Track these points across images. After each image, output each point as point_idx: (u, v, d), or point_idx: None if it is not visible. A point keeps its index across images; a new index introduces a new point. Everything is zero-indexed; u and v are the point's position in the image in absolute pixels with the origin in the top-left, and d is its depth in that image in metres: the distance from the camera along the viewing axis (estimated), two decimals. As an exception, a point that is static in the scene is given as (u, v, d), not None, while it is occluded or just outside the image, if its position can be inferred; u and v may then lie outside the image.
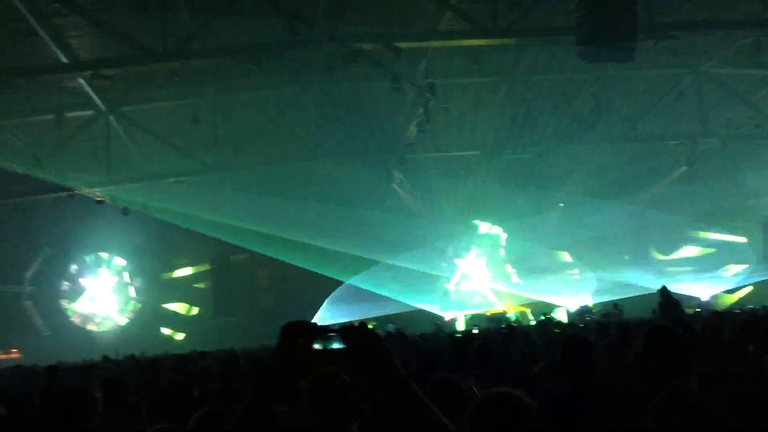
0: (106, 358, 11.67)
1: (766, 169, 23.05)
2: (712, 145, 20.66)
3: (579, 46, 9.81)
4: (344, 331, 1.55)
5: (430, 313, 23.49)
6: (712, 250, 27.94)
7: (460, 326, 22.80)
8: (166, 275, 26.99)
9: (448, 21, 14.73)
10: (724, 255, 27.33)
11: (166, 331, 26.36)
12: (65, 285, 26.84)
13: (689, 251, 28.81)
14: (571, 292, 25.75)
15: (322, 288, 27.22)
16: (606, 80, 19.00)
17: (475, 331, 15.68)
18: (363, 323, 1.57)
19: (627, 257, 27.13)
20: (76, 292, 26.96)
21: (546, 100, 18.76)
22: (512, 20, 13.85)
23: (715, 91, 19.71)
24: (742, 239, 27.53)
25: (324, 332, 1.51)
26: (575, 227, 27.00)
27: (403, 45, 14.08)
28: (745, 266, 26.76)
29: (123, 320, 26.77)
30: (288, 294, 27.05)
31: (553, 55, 16.35)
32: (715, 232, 28.13)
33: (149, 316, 26.48)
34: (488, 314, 24.02)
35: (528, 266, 27.64)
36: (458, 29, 14.62)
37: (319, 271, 27.18)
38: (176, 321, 26.93)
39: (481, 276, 27.14)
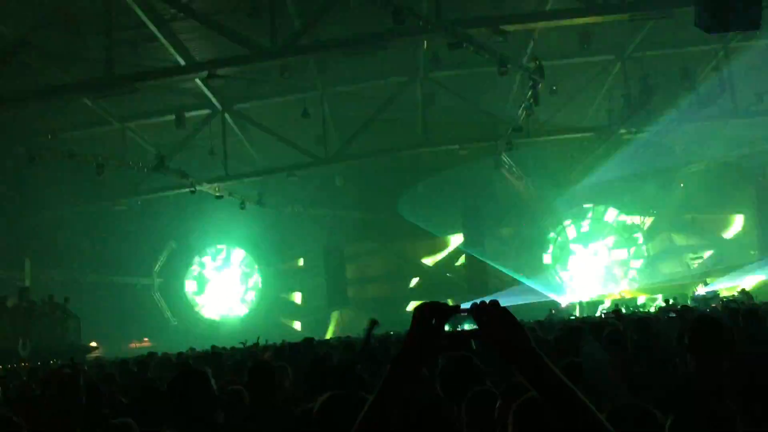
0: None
1: None
2: None
3: (698, 16, 9.21)
4: (476, 309, 1.52)
5: (544, 301, 22.98)
6: None
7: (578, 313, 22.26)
8: (283, 266, 27.87)
9: (555, 0, 14.32)
10: None
11: (284, 320, 27.24)
12: (190, 277, 28.26)
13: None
14: (699, 278, 24.47)
15: (433, 278, 27.35)
16: (728, 52, 17.89)
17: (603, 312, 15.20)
18: (495, 301, 1.53)
19: (752, 239, 25.48)
20: (200, 284, 28.35)
21: (662, 76, 17.89)
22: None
23: None
24: None
25: (456, 312, 1.48)
26: (697, 208, 25.73)
27: (509, 28, 13.79)
28: None
29: (244, 310, 27.89)
30: (400, 283, 27.36)
31: (669, 28, 15.56)
32: None
33: (268, 306, 27.46)
34: (605, 300, 23.33)
35: (650, 250, 26.60)
36: (566, 8, 14.16)
37: (427, 261, 27.32)
38: (293, 310, 27.79)
39: (596, 260, 26.40)
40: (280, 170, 21.28)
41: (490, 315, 1.49)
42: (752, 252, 24.92)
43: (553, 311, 20.65)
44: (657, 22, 15.17)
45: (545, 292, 24.22)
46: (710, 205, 25.11)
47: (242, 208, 21.97)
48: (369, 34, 14.25)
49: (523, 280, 24.39)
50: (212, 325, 27.03)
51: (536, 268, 25.75)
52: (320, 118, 19.26)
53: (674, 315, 9.25)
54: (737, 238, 26.31)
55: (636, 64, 18.24)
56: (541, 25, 15.20)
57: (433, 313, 1.48)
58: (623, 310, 14.68)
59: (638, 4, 13.48)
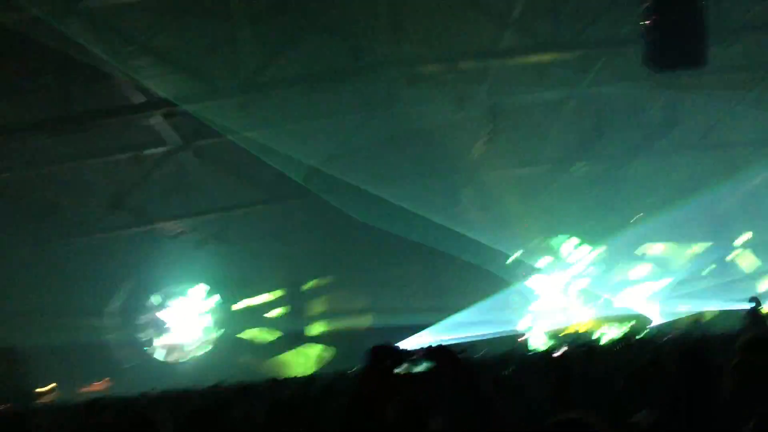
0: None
1: None
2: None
3: (646, 55, 9.56)
4: (429, 354, 1.55)
5: (506, 335, 23.11)
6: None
7: (540, 345, 22.37)
8: (245, 303, 27.49)
9: (510, 38, 14.67)
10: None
11: (244, 359, 26.79)
12: (147, 317, 27.66)
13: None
14: (649, 305, 24.99)
15: (395, 315, 27.24)
16: (678, 88, 18.49)
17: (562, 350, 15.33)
18: (446, 346, 1.56)
19: (710, 268, 26.15)
20: (156, 324, 27.78)
21: (615, 112, 18.39)
22: (576, 33, 13.70)
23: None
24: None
25: (409, 356, 1.51)
26: (653, 238, 26.36)
27: (465, 65, 14.09)
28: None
29: (203, 350, 27.35)
30: (361, 319, 27.19)
31: (620, 66, 16.05)
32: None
33: (229, 345, 27.00)
34: (568, 332, 23.54)
35: (608, 279, 27.00)
36: (520, 45, 14.53)
37: (389, 296, 27.26)
38: (254, 349, 27.36)
39: (559, 293, 26.66)
40: (241, 206, 21.16)
41: (442, 359, 1.52)
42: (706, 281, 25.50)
43: (519, 340, 20.75)
44: (609, 59, 15.66)
45: (508, 325, 24.36)
46: (667, 236, 25.71)
47: (202, 246, 21.72)
48: (327, 72, 14.40)
49: (485, 312, 24.48)
50: (171, 365, 26.46)
51: (500, 300, 25.88)
52: (281, 154, 19.25)
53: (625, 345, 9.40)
54: (694, 267, 26.93)
55: (590, 100, 18.72)
56: (496, 62, 15.58)
57: (386, 355, 1.51)
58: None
59: (590, 42, 13.89)
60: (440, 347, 1.53)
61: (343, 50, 13.33)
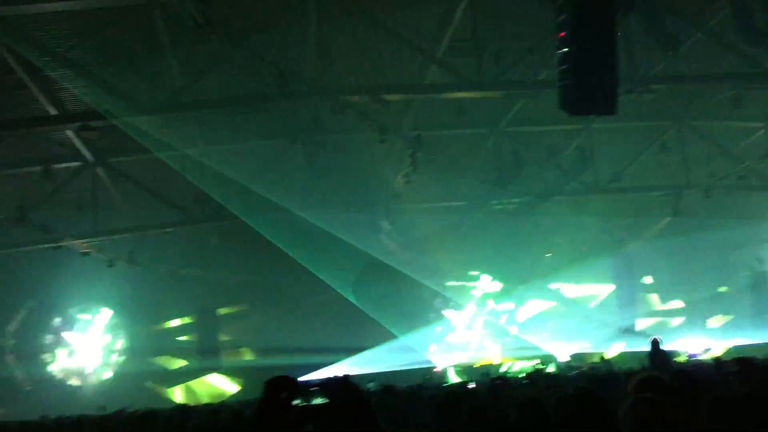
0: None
1: (749, 219, 23.31)
2: (695, 197, 20.89)
3: (561, 99, 9.94)
4: (326, 386, 1.52)
5: (419, 368, 23.21)
6: (697, 300, 28.09)
7: (452, 378, 22.57)
8: (152, 328, 26.66)
9: (434, 74, 14.98)
10: (710, 305, 27.47)
11: (152, 385, 25.91)
12: (49, 338, 26.39)
13: (677, 303, 28.94)
14: (562, 344, 25.68)
15: (309, 341, 26.98)
16: (591, 132, 19.30)
17: (472, 385, 15.51)
18: (345, 378, 1.54)
19: (613, 308, 27.16)
20: (59, 346, 26.52)
21: (531, 151, 18.99)
22: (497, 73, 14.11)
23: (697, 143, 20.02)
24: (726, 289, 27.70)
25: (306, 387, 1.48)
26: (562, 277, 27.26)
27: (389, 97, 14.27)
28: (731, 317, 26.88)
29: (107, 374, 26.28)
30: (274, 348, 26.74)
31: (537, 107, 16.63)
32: (701, 282, 28.33)
33: (135, 370, 26.04)
34: (478, 366, 23.84)
35: (520, 316, 27.60)
36: (444, 82, 14.85)
37: (303, 325, 26.96)
38: (163, 375, 26.48)
39: (472, 327, 27.00)
40: (153, 227, 20.57)
41: (340, 391, 1.49)
42: (612, 320, 26.43)
43: (426, 376, 20.84)
44: (527, 101, 16.20)
45: (421, 358, 24.50)
46: (575, 275, 26.61)
47: (110, 266, 20.98)
48: (252, 95, 14.30)
49: (401, 344, 24.58)
50: (72, 390, 25.27)
51: (414, 333, 26.03)
52: (198, 176, 18.91)
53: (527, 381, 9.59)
54: (600, 306, 27.92)
55: (507, 139, 19.29)
56: (419, 96, 15.86)
57: (284, 386, 1.47)
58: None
59: (510, 83, 14.33)
60: (338, 380, 1.50)
61: (269, 75, 13.25)
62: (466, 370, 23.79)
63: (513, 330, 27.09)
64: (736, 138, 20.43)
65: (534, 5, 13.30)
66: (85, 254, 19.88)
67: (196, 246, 23.05)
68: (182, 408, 9.73)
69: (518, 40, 14.84)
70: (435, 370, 23.57)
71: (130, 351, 26.46)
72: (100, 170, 18.74)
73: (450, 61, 14.41)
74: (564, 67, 9.76)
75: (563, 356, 24.46)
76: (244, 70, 14.16)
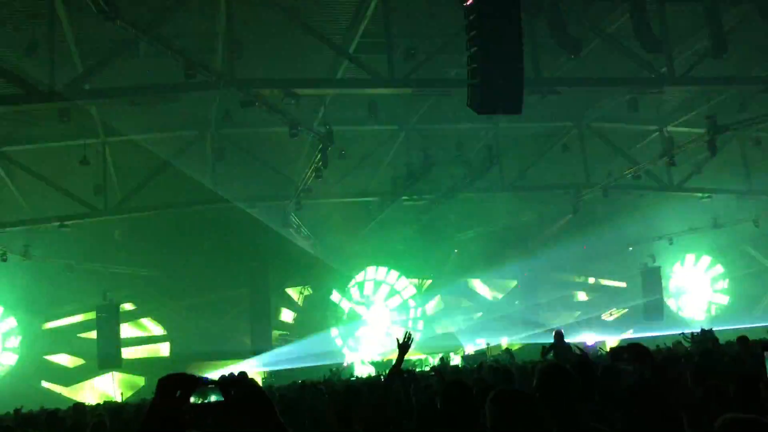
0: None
1: (642, 218, 24.52)
2: (594, 195, 21.77)
3: (470, 98, 10.16)
4: (223, 383, 1.50)
5: (326, 363, 23.18)
6: (595, 295, 29.42)
7: (361, 372, 22.67)
8: (49, 325, 25.51)
9: (347, 69, 14.98)
10: (606, 300, 28.80)
11: (47, 384, 24.79)
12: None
13: (575, 297, 30.19)
14: (469, 337, 26.31)
15: (215, 339, 26.52)
16: (498, 131, 19.80)
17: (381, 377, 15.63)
18: (243, 374, 1.53)
19: (517, 302, 28.05)
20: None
21: (441, 148, 19.29)
22: (408, 71, 14.25)
23: (597, 144, 20.88)
24: (623, 284, 29.11)
25: (202, 384, 1.45)
26: (469, 273, 27.91)
27: (301, 92, 14.17)
28: (625, 311, 28.25)
29: (1, 373, 24.94)
30: (179, 344, 26.12)
31: (447, 105, 16.91)
32: (599, 278, 29.67)
33: (29, 369, 24.82)
34: (386, 360, 24.04)
35: (428, 311, 28.04)
36: (356, 78, 14.88)
37: (209, 323, 26.46)
38: (59, 374, 25.37)
39: (379, 321, 27.20)
40: (50, 220, 19.64)
41: (238, 387, 1.49)
42: (515, 314, 27.26)
43: (333, 370, 20.85)
44: (437, 99, 16.46)
45: (330, 352, 24.51)
46: (480, 270, 27.33)
47: (3, 260, 19.94)
48: (158, 85, 13.89)
49: (308, 339, 24.53)
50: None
51: (321, 328, 26.01)
52: (101, 167, 18.23)
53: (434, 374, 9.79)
54: (504, 301, 28.79)
55: (418, 136, 19.55)
56: (331, 92, 15.83)
57: (178, 384, 1.44)
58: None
59: (421, 81, 14.51)
60: (236, 377, 1.49)
61: (177, 66, 12.88)
62: (374, 364, 23.96)
63: (420, 324, 27.49)
64: (633, 140, 21.46)
65: (444, 5, 13.54)
66: (-24, 248, 18.81)
67: (98, 240, 22.17)
68: (78, 407, 9.36)
69: (429, 39, 15.04)
70: (344, 365, 23.62)
71: (25, 349, 25.19)
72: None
73: (362, 57, 14.44)
74: (473, 66, 9.97)
75: (469, 349, 25.05)
76: (150, 60, 13.72)
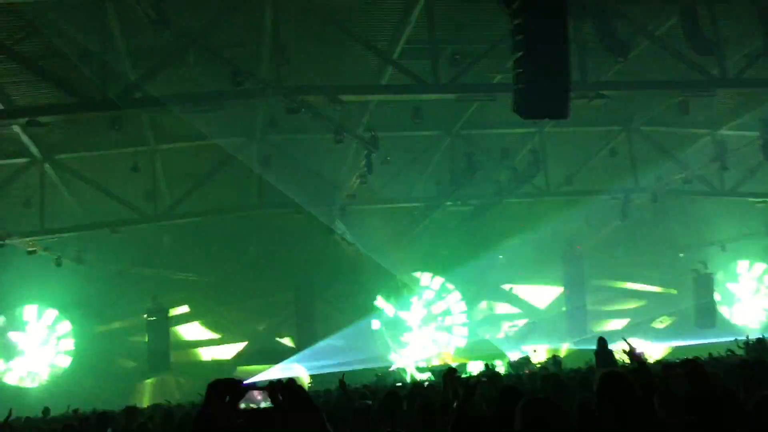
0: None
1: (694, 223, 23.96)
2: (643, 200, 21.37)
3: (515, 103, 10.10)
4: (271, 388, 1.52)
5: (373, 367, 23.22)
6: (644, 302, 28.79)
7: (407, 377, 22.64)
8: (101, 328, 26.11)
9: (391, 75, 15.02)
10: (656, 307, 28.17)
11: (99, 386, 25.36)
12: (-7, 339, 25.63)
13: (624, 304, 29.60)
14: (513, 344, 26.05)
15: (263, 342, 26.84)
16: (543, 136, 19.59)
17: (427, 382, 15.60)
18: (291, 380, 1.54)
19: (564, 309, 27.65)
20: (4, 347, 25.77)
21: (485, 153, 19.19)
22: (453, 76, 14.22)
23: (646, 148, 20.50)
24: (673, 291, 28.45)
25: (251, 390, 1.47)
26: (514, 279, 27.64)
27: (346, 98, 14.25)
28: (676, 318, 27.61)
29: (54, 375, 25.63)
30: (228, 348, 26.51)
31: (492, 110, 16.80)
32: (648, 284, 29.04)
33: (82, 371, 25.46)
34: (430, 366, 23.97)
35: (472, 317, 27.87)
36: (400, 84, 14.90)
37: (256, 326, 26.76)
38: (111, 376, 25.94)
39: (426, 327, 27.15)
40: (103, 226, 20.14)
41: (285, 394, 1.50)
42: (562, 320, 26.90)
43: (379, 374, 20.87)
44: (482, 104, 16.36)
45: (374, 357, 24.54)
46: (526, 276, 27.00)
47: (58, 265, 20.50)
48: (206, 93, 14.13)
49: (352, 343, 24.58)
50: (17, 391, 24.55)
51: (366, 334, 26.06)
52: (151, 174, 18.63)
53: (485, 380, 9.72)
54: (550, 307, 28.40)
55: (462, 141, 19.47)
56: (376, 97, 15.88)
57: (227, 389, 1.46)
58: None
59: (465, 86, 14.46)
60: (285, 382, 1.51)
61: (224, 73, 13.10)
62: (421, 369, 23.92)
63: (465, 330, 27.33)
64: (683, 143, 21.00)
65: (489, 10, 13.47)
66: (32, 253, 19.35)
67: (148, 245, 22.67)
68: (131, 410, 9.55)
69: (474, 44, 14.98)
70: (390, 369, 23.63)
71: (78, 351, 25.85)
72: (47, 167, 18.29)
73: (406, 63, 14.46)
74: (518, 71, 9.91)
75: (513, 355, 24.79)
76: (198, 68, 13.97)
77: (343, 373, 8.64)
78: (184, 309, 26.53)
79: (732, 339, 14.50)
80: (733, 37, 15.25)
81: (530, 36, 9.80)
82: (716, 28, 14.35)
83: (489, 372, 15.02)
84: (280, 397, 1.52)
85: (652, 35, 14.96)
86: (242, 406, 1.54)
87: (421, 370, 23.40)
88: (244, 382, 1.56)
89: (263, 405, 1.58)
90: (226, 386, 1.52)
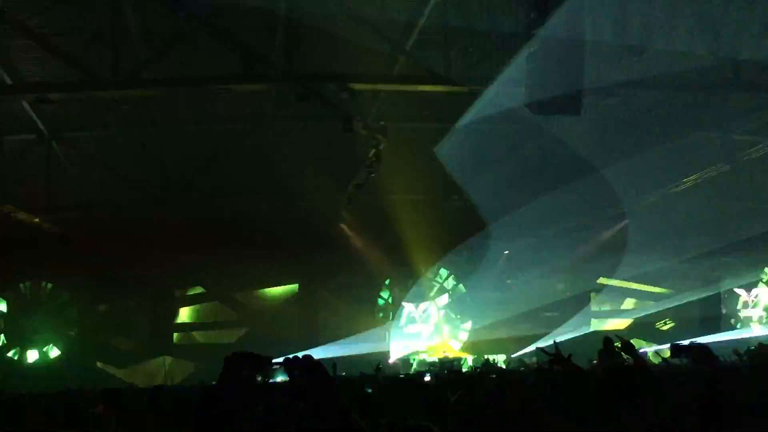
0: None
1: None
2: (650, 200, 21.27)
3: (528, 97, 10.04)
4: (289, 363, 1.49)
5: (370, 356, 23.20)
6: (651, 302, 28.68)
7: (408, 368, 22.68)
8: (105, 307, 26.17)
9: (402, 66, 14.93)
10: (662, 308, 28.04)
11: (103, 366, 25.43)
12: (-2, 314, 25.68)
13: (627, 303, 29.55)
14: (515, 337, 25.97)
15: (265, 325, 26.85)
16: (554, 132, 19.42)
17: (427, 378, 15.65)
18: (308, 356, 1.51)
19: (567, 307, 27.54)
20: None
21: (494, 147, 19.08)
22: (464, 68, 14.13)
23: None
24: (680, 293, 28.31)
25: (268, 364, 1.45)
26: (520, 273, 27.53)
27: (357, 86, 14.18)
28: (681, 320, 27.51)
29: (56, 353, 25.69)
30: (229, 331, 26.55)
31: (502, 104, 16.67)
32: (654, 284, 28.92)
33: (84, 350, 25.52)
34: (435, 357, 24.00)
35: (475, 310, 27.80)
36: (411, 74, 14.81)
37: (260, 311, 26.80)
38: (114, 355, 25.98)
39: (428, 320, 27.14)
40: (109, 205, 20.18)
41: (302, 369, 1.47)
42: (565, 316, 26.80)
43: (380, 366, 20.84)
44: (492, 97, 16.22)
45: (375, 347, 24.53)
46: (532, 270, 26.89)
47: (64, 243, 20.53)
48: (216, 76, 14.08)
49: (354, 333, 24.62)
50: (17, 368, 24.65)
51: (368, 322, 26.06)
52: (158, 155, 18.63)
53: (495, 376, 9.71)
54: (555, 302, 28.30)
55: (472, 134, 19.30)
56: (387, 87, 15.78)
57: (245, 363, 1.44)
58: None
59: (475, 79, 14.37)
60: (303, 358, 1.48)
61: (234, 58, 13.05)
62: (422, 361, 23.96)
63: (468, 324, 27.32)
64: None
65: (503, 3, 13.37)
66: (38, 229, 19.39)
67: (154, 226, 22.63)
68: (133, 389, 9.58)
69: (486, 37, 14.86)
70: (390, 361, 23.63)
71: (82, 330, 25.91)
72: (52, 144, 18.28)
73: (418, 53, 14.37)
74: (530, 66, 9.84)
75: (516, 351, 24.78)
76: (208, 51, 13.92)
77: (334, 362, 8.64)
78: (188, 291, 26.54)
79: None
80: None
81: (544, 30, 9.74)
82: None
83: (489, 367, 15.02)
84: (297, 372, 1.48)
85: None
86: (259, 380, 1.51)
87: (423, 362, 23.43)
88: (262, 356, 1.52)
89: (279, 379, 1.55)
90: (243, 359, 1.49)
